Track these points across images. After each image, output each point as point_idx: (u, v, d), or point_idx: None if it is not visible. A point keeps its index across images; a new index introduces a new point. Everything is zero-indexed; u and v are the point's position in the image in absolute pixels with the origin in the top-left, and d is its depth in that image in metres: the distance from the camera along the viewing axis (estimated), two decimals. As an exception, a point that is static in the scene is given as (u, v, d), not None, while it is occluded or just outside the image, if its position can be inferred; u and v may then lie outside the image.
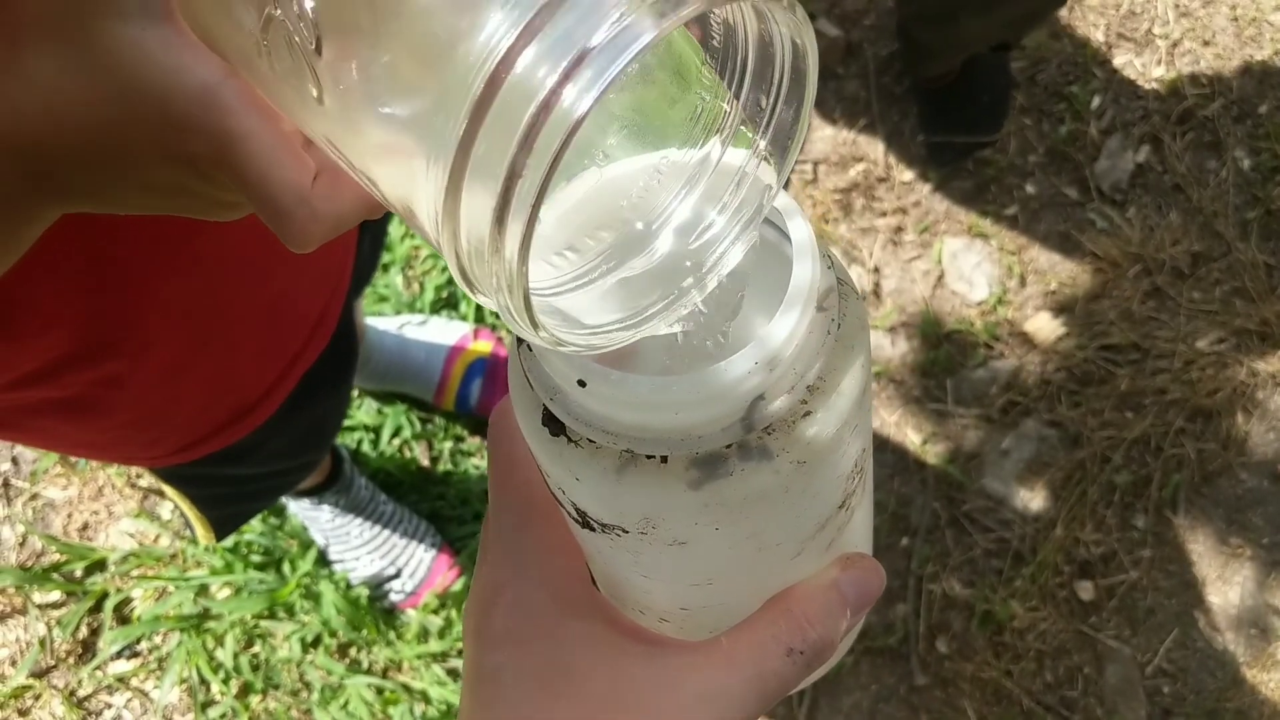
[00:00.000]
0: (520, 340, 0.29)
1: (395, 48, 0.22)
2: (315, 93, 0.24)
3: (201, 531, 0.92)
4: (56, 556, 1.36)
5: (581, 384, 0.27)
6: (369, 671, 1.30)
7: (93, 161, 0.27)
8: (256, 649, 1.32)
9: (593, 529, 0.30)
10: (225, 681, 1.29)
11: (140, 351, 0.60)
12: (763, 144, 0.27)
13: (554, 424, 0.28)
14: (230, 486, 0.90)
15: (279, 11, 0.23)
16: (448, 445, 1.38)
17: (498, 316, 1.43)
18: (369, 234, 0.87)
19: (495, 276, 0.22)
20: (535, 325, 0.23)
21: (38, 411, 0.61)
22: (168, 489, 0.88)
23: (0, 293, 0.49)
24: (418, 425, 1.38)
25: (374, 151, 0.24)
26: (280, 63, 0.24)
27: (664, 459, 0.27)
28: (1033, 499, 1.32)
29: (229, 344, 0.67)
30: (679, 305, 0.27)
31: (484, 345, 1.36)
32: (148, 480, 1.38)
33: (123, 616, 1.34)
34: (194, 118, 0.25)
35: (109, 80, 0.25)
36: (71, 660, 1.32)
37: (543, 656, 0.31)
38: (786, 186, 0.28)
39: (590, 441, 0.28)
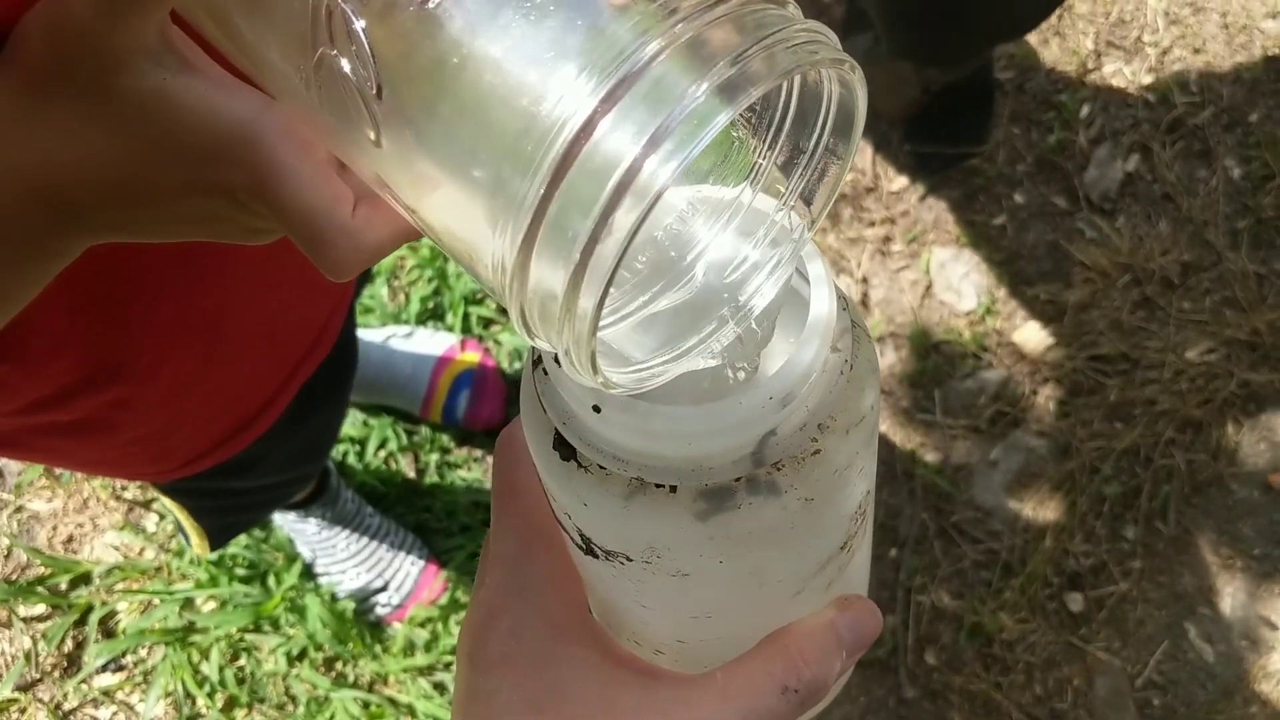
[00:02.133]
0: (535, 364, 0.30)
1: (466, 101, 0.22)
2: (372, 135, 0.24)
3: (197, 541, 0.92)
4: (41, 570, 1.35)
5: (596, 410, 0.27)
6: (355, 685, 1.29)
7: (126, 200, 0.27)
8: (242, 662, 1.31)
9: (596, 556, 0.30)
10: (210, 695, 1.29)
11: (148, 373, 0.60)
12: (798, 187, 0.27)
13: (565, 448, 0.29)
14: (230, 498, 0.90)
15: (335, 51, 0.23)
16: (434, 457, 1.38)
17: (485, 326, 1.43)
18: None
19: (564, 334, 0.22)
20: (596, 372, 0.24)
21: (44, 432, 0.61)
22: (166, 500, 0.89)
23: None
24: (404, 437, 1.38)
25: (433, 197, 0.24)
26: (331, 101, 0.24)
27: (673, 489, 0.28)
28: (1022, 510, 1.32)
29: (233, 358, 0.67)
30: (716, 339, 0.28)
31: (471, 356, 1.36)
32: (132, 492, 1.38)
33: (108, 630, 1.33)
34: (231, 154, 0.25)
35: (138, 131, 0.25)
36: (57, 674, 1.32)
37: (535, 681, 0.31)
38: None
39: (600, 468, 0.28)
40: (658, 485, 0.28)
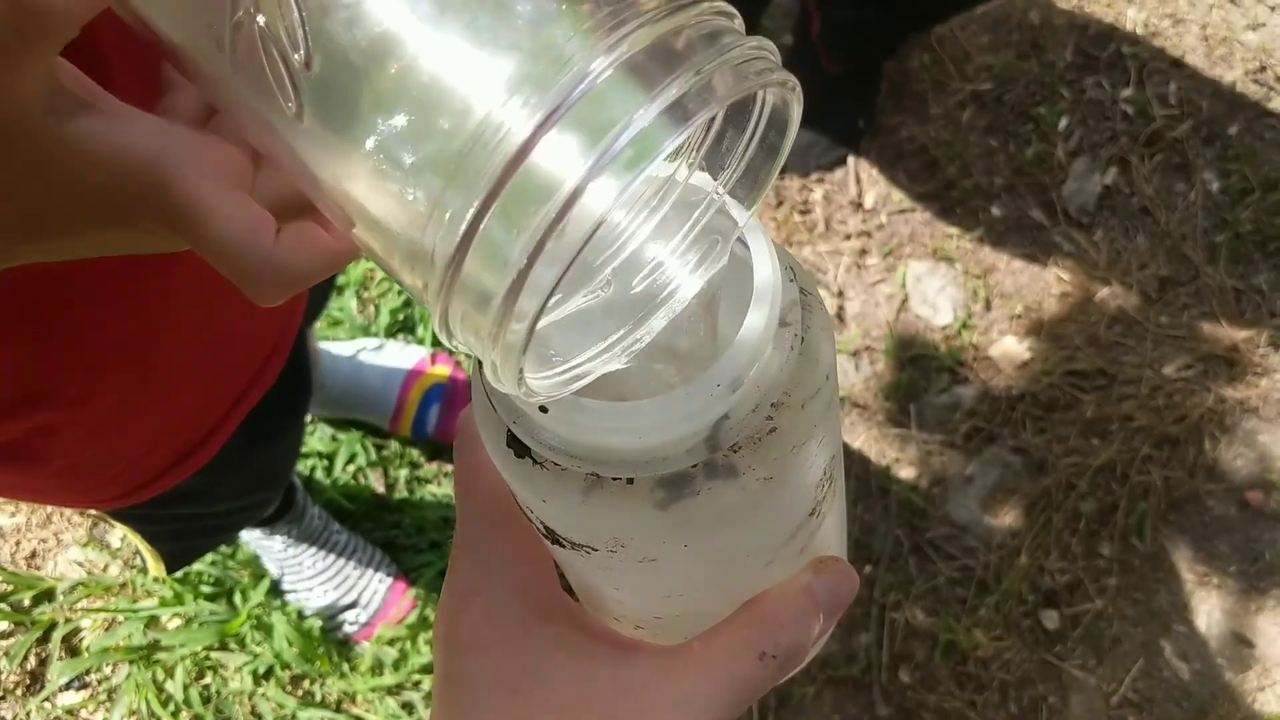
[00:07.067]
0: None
1: (403, 86, 0.21)
2: (293, 110, 0.22)
3: (153, 563, 0.90)
4: (4, 586, 1.33)
5: (543, 410, 0.26)
6: (322, 704, 1.27)
7: (42, 235, 0.26)
8: (207, 681, 1.29)
9: (563, 546, 0.30)
10: (175, 714, 1.27)
11: (76, 401, 0.58)
12: (726, 185, 0.27)
13: (518, 446, 0.28)
14: (182, 523, 0.88)
15: (261, 19, 0.22)
16: (403, 473, 1.36)
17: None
18: None
19: (493, 350, 0.22)
20: (520, 384, 0.23)
21: None
22: (118, 525, 0.87)
23: None
24: (373, 452, 1.36)
25: (355, 185, 0.22)
26: (249, 67, 0.22)
27: (630, 481, 0.27)
28: (997, 526, 1.31)
29: (172, 388, 0.65)
30: (637, 338, 0.27)
31: (442, 369, 1.34)
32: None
33: (72, 647, 1.31)
34: (141, 197, 0.24)
35: (42, 180, 0.24)
36: (20, 691, 1.29)
37: (511, 661, 0.31)
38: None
39: (555, 464, 0.27)
40: (614, 479, 0.27)
